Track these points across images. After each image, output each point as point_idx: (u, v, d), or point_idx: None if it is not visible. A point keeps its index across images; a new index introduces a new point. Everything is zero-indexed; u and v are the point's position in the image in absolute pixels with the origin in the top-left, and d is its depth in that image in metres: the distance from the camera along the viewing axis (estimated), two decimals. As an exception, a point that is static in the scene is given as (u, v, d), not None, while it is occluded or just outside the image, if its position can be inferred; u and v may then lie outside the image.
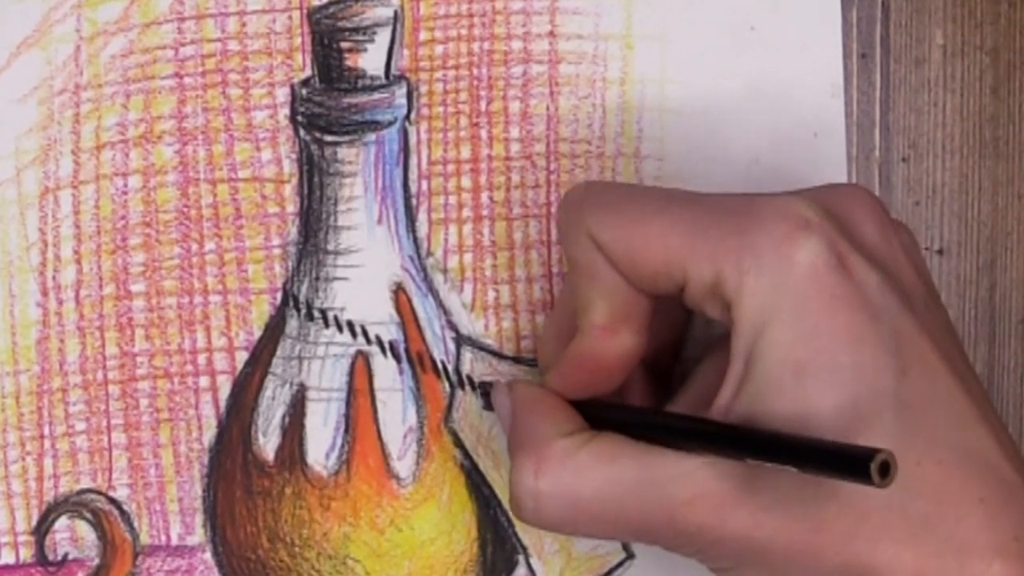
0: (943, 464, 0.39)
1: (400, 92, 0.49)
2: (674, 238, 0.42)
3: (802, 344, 0.39)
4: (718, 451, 0.40)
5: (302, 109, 0.49)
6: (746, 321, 0.40)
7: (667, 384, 0.48)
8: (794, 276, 0.40)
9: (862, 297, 0.40)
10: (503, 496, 0.50)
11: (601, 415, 0.45)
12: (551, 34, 0.50)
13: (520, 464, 0.43)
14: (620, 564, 0.51)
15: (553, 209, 0.50)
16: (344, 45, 0.49)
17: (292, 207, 0.49)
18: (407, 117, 0.49)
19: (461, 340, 0.50)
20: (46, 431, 0.49)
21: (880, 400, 0.39)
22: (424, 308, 0.50)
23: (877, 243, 0.42)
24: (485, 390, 0.49)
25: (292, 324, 0.49)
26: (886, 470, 0.35)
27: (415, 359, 0.49)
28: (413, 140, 0.50)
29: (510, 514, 0.50)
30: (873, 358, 0.39)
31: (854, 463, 0.36)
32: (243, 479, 0.49)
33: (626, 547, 0.51)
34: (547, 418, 0.44)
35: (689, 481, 0.41)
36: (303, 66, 0.49)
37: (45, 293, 0.49)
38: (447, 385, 0.50)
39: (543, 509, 0.43)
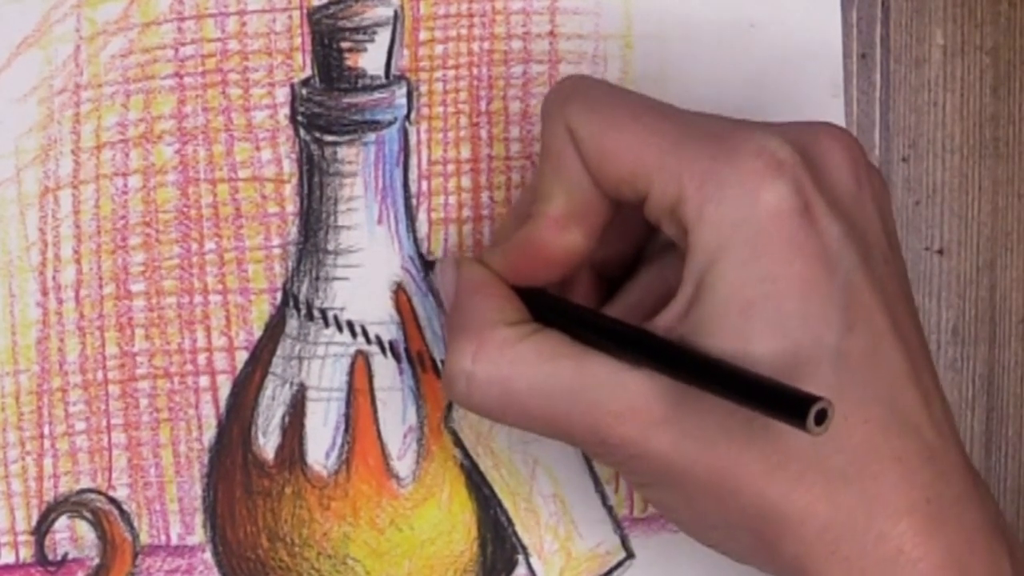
0: (869, 423, 0.40)
1: (400, 92, 0.49)
2: (646, 148, 0.41)
3: (754, 285, 0.40)
4: (659, 366, 0.40)
5: (302, 109, 0.49)
6: (702, 248, 0.40)
7: (614, 292, 0.48)
8: (757, 215, 0.40)
9: (821, 247, 0.40)
10: (503, 496, 0.50)
11: (547, 308, 0.44)
12: (551, 34, 0.50)
13: (459, 346, 0.43)
14: (620, 564, 0.51)
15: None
16: (344, 45, 0.49)
17: (292, 207, 0.49)
18: (407, 117, 0.49)
19: (461, 340, 0.50)
20: (46, 431, 0.49)
21: (820, 353, 0.39)
22: (424, 308, 0.50)
23: (847, 190, 0.42)
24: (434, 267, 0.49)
25: (292, 324, 0.49)
26: (822, 418, 0.36)
27: (415, 359, 0.49)
28: (413, 140, 0.50)
29: (510, 514, 0.50)
30: (821, 310, 0.40)
31: (792, 405, 0.36)
32: (243, 479, 0.49)
33: (626, 547, 0.51)
34: (493, 303, 0.44)
35: (622, 393, 0.41)
36: (303, 66, 0.49)
37: (45, 293, 0.49)
38: (447, 385, 0.50)
39: (474, 393, 0.43)
